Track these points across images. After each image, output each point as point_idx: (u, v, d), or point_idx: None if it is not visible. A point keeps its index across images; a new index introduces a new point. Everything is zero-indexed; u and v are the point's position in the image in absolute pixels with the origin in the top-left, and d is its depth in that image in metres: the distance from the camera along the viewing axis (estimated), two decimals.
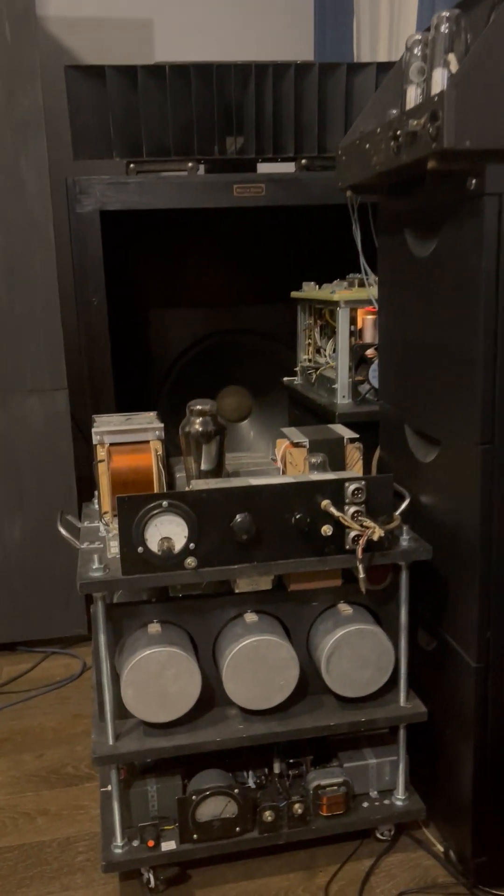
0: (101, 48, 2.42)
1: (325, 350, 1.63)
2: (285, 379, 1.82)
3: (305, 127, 1.76)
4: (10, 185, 1.57)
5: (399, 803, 1.15)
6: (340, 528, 1.02)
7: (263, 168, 1.82)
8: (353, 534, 1.01)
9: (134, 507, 0.97)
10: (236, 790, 1.08)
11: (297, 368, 1.78)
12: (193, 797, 1.07)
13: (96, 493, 1.20)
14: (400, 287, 1.19)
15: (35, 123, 1.56)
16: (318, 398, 1.55)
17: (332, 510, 0.99)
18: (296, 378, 1.79)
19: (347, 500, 1.01)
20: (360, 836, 1.18)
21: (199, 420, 1.08)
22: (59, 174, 1.66)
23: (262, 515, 1.00)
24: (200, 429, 1.08)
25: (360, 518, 1.00)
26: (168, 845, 1.08)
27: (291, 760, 1.17)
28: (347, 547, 1.02)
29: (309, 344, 1.72)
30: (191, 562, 0.99)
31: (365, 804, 1.15)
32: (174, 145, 1.72)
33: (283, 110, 1.75)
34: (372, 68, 1.73)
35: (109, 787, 1.09)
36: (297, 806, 1.10)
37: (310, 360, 1.71)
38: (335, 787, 1.12)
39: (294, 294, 1.72)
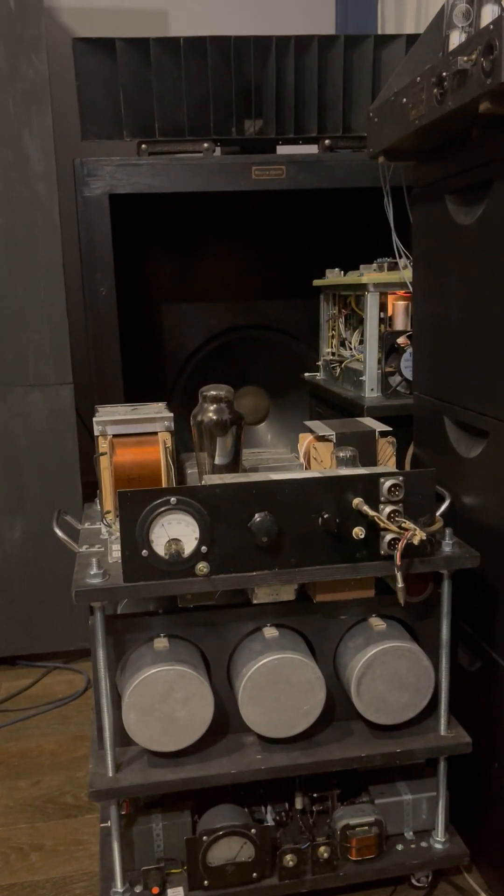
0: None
1: (350, 342, 1.50)
2: (306, 375, 1.70)
3: (329, 105, 1.65)
4: (13, 160, 1.46)
5: (438, 846, 1.01)
6: (374, 531, 0.89)
7: (283, 151, 1.70)
8: (389, 537, 0.88)
9: (138, 503, 0.84)
10: (253, 830, 0.94)
11: (320, 363, 1.65)
12: (204, 838, 0.93)
13: (99, 492, 1.08)
14: (440, 263, 1.06)
15: (40, 95, 1.45)
16: (344, 392, 1.42)
17: (366, 509, 0.86)
18: (318, 374, 1.66)
19: (383, 499, 0.88)
20: (392, 882, 1.04)
21: (213, 407, 0.95)
22: (66, 157, 1.56)
23: (284, 515, 0.87)
24: (215, 417, 0.95)
25: (397, 519, 0.87)
26: (175, 892, 0.94)
27: (316, 795, 1.04)
28: (382, 552, 0.89)
29: (332, 336, 1.59)
30: (202, 567, 0.86)
31: (399, 846, 1.01)
32: (189, 125, 1.61)
33: (305, 87, 1.63)
34: (401, 40, 1.61)
35: (109, 823, 0.96)
36: (322, 849, 0.96)
37: (333, 354, 1.59)
38: (366, 828, 0.98)
39: (317, 282, 1.59)
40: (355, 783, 1.06)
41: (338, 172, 1.61)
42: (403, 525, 0.86)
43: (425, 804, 1.03)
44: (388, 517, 0.87)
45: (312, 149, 1.71)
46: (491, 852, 1.02)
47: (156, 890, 0.93)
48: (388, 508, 0.88)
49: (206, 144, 1.63)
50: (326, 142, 1.67)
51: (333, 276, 1.51)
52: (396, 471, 0.89)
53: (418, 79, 0.91)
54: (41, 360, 1.56)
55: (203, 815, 0.99)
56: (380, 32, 1.93)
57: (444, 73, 0.83)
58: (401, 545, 0.85)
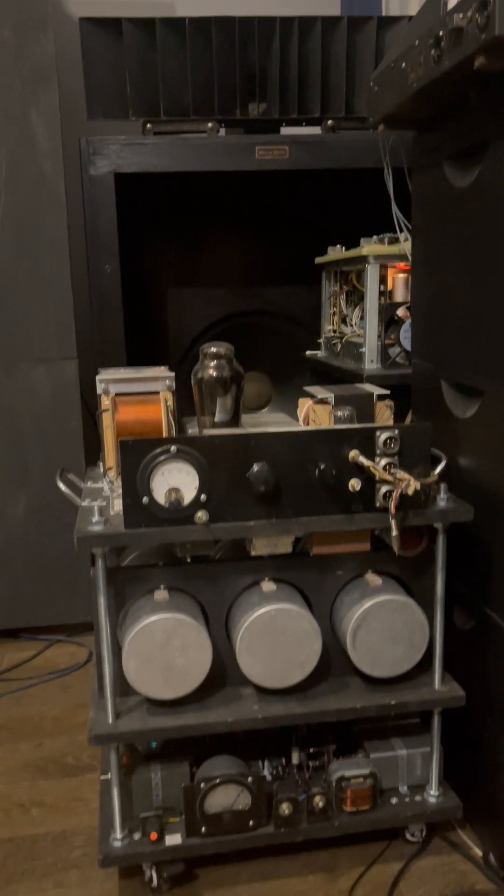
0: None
1: (351, 319, 1.52)
2: (308, 353, 1.72)
3: (332, 86, 1.67)
4: (20, 138, 1.49)
5: (432, 800, 1.03)
6: (370, 484, 0.91)
7: (287, 132, 1.72)
8: (384, 489, 0.90)
9: (139, 452, 0.86)
10: (250, 779, 0.96)
11: (321, 340, 1.67)
12: (202, 785, 0.95)
13: (101, 451, 1.10)
14: (438, 228, 1.08)
15: (47, 75, 1.48)
16: (344, 365, 1.44)
17: (362, 460, 0.88)
18: (319, 351, 1.68)
19: (378, 452, 0.90)
20: (387, 836, 1.06)
21: (213, 364, 0.97)
22: (72, 137, 1.58)
23: (281, 466, 0.89)
24: (215, 374, 0.97)
25: (392, 470, 0.89)
26: (173, 839, 0.96)
27: (312, 750, 1.05)
28: (378, 505, 0.91)
29: (334, 313, 1.61)
30: (202, 516, 0.88)
31: (394, 800, 1.03)
32: (193, 105, 1.63)
33: (308, 68, 1.65)
34: (404, 22, 1.63)
35: (109, 776, 0.98)
36: (317, 799, 0.98)
37: (334, 331, 1.61)
38: (361, 780, 1.00)
39: (319, 259, 1.62)
40: (351, 740, 1.07)
41: (340, 153, 1.63)
42: (398, 475, 0.88)
43: (420, 759, 1.04)
44: (384, 469, 0.89)
45: (316, 130, 1.73)
46: (484, 808, 1.03)
47: (154, 835, 0.95)
48: (384, 461, 0.90)
49: (210, 124, 1.65)
50: (329, 122, 1.68)
51: (335, 253, 1.53)
52: (392, 425, 0.91)
53: (416, 42, 0.93)
54: (46, 335, 1.59)
55: (201, 766, 1.01)
56: (384, 14, 1.95)
57: (441, 33, 0.85)
58: (395, 493, 0.87)
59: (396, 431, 0.90)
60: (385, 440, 0.89)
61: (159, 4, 2.35)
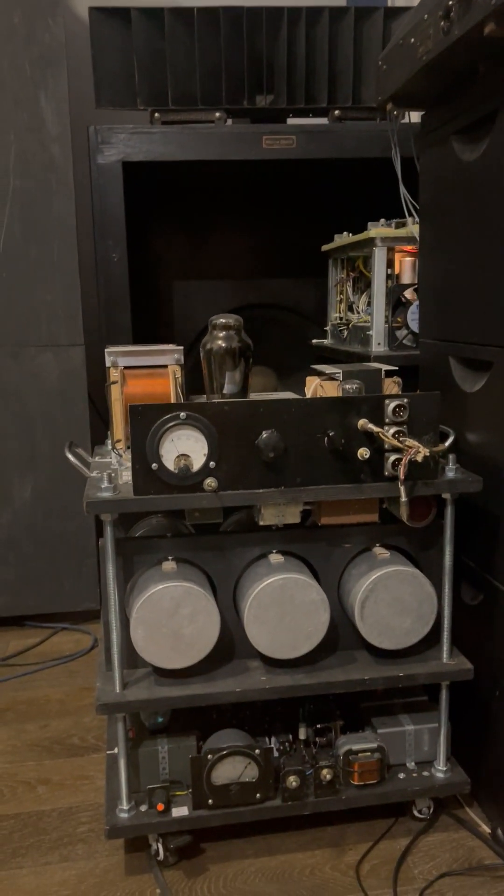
0: None
1: (357, 305, 1.52)
2: (314, 341, 1.72)
3: (339, 76, 1.68)
4: (29, 122, 1.50)
5: (440, 775, 1.02)
6: (379, 453, 0.91)
7: (294, 122, 1.73)
8: (393, 458, 0.90)
9: (149, 418, 0.87)
10: (257, 750, 0.96)
11: (328, 328, 1.68)
12: (209, 756, 0.95)
13: (110, 423, 1.10)
14: (445, 204, 1.08)
15: (56, 59, 1.49)
16: (351, 349, 1.44)
17: (371, 427, 0.88)
18: (326, 339, 1.69)
19: (388, 421, 0.90)
20: (395, 813, 1.06)
21: (222, 334, 0.98)
22: (81, 126, 1.59)
23: (290, 434, 0.89)
24: (224, 344, 0.98)
25: (402, 438, 0.89)
26: (180, 811, 0.96)
27: (319, 726, 1.05)
28: (387, 473, 0.91)
29: (340, 300, 1.62)
30: (211, 482, 0.88)
31: (401, 775, 1.03)
32: (201, 94, 1.64)
33: (316, 58, 1.66)
34: (411, 12, 1.64)
35: (116, 750, 0.97)
36: (325, 772, 0.98)
37: (341, 318, 1.61)
38: (368, 753, 0.99)
39: (325, 247, 1.62)
40: (358, 716, 1.07)
41: (347, 142, 1.64)
42: (407, 443, 0.88)
43: (427, 735, 1.04)
44: (393, 436, 0.89)
45: (323, 121, 1.74)
46: (491, 784, 1.03)
47: (161, 806, 0.94)
48: (393, 429, 0.90)
49: (217, 114, 1.66)
50: (336, 112, 1.69)
51: (342, 239, 1.54)
52: (401, 394, 0.91)
53: (426, 16, 0.94)
54: (53, 320, 1.59)
55: (208, 739, 1.00)
56: (390, 4, 1.96)
57: (451, 2, 0.85)
58: (404, 460, 0.87)
59: (405, 400, 0.90)
60: (394, 408, 0.90)
61: None
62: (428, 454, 0.87)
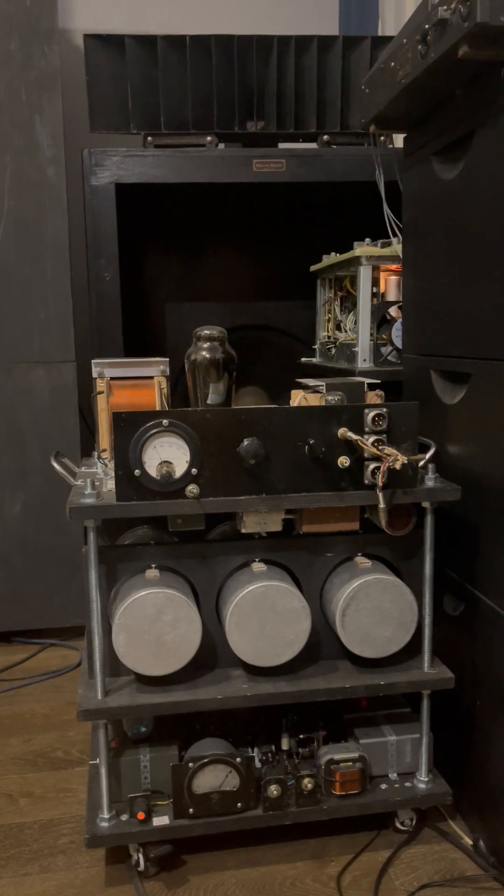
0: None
1: (345, 325, 1.55)
2: (303, 359, 1.74)
3: (328, 102, 1.72)
4: (24, 144, 1.54)
5: (422, 786, 1.02)
6: (359, 462, 0.92)
7: (284, 147, 1.77)
8: (372, 466, 0.92)
9: (132, 425, 0.88)
10: (238, 759, 0.96)
11: (316, 346, 1.70)
12: (190, 764, 0.95)
13: (96, 438, 1.11)
14: (427, 222, 1.11)
15: (51, 84, 1.53)
16: (338, 366, 1.46)
17: (350, 435, 0.89)
18: (314, 358, 1.71)
19: (367, 430, 0.92)
20: (377, 826, 1.05)
21: (206, 346, 1.00)
22: (75, 149, 1.63)
23: (271, 442, 0.91)
24: (208, 355, 1.00)
25: (381, 446, 0.90)
26: (161, 820, 0.96)
27: (302, 737, 1.05)
28: (366, 482, 0.93)
29: (328, 320, 1.64)
30: (192, 489, 0.89)
31: (383, 786, 1.02)
32: (193, 119, 1.68)
33: (305, 85, 1.71)
34: (393, 40, 1.68)
35: (98, 760, 0.97)
36: (306, 781, 0.98)
37: (329, 337, 1.63)
38: (350, 763, 0.99)
39: (314, 267, 1.65)
40: (341, 728, 1.07)
41: (336, 166, 1.68)
42: (386, 451, 0.89)
43: (409, 746, 1.04)
44: (372, 445, 0.90)
45: (312, 146, 1.78)
46: (474, 795, 1.03)
47: (141, 815, 0.94)
48: (372, 438, 0.91)
49: (209, 138, 1.70)
50: (325, 137, 1.73)
51: (329, 259, 1.57)
52: (380, 403, 0.93)
53: (405, 40, 0.97)
54: (45, 337, 1.61)
55: (189, 748, 1.00)
56: (381, 32, 2.01)
57: (427, 27, 0.88)
58: (383, 467, 0.88)
59: (385, 409, 0.92)
60: (373, 417, 0.91)
61: (161, 22, 2.41)
62: (406, 462, 0.88)
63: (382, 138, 1.63)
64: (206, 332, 1.00)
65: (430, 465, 0.96)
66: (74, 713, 1.40)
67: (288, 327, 2.12)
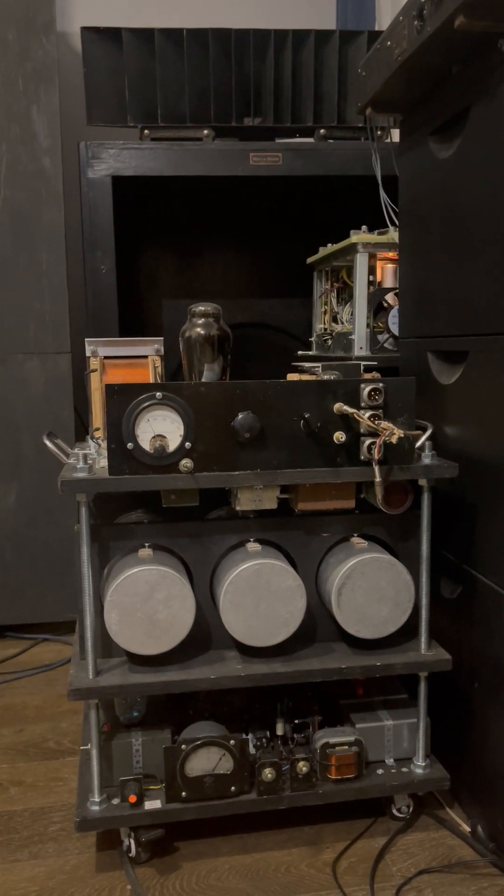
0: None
1: (341, 316, 1.54)
2: (300, 353, 1.73)
3: (325, 96, 1.72)
4: (21, 135, 1.53)
5: (419, 771, 1.00)
6: (355, 438, 0.91)
7: (281, 141, 1.78)
8: (368, 442, 0.91)
9: (125, 397, 0.87)
10: (232, 741, 0.94)
11: (312, 339, 1.69)
12: (183, 746, 0.93)
13: (89, 413, 1.10)
14: (424, 201, 1.10)
15: (49, 76, 1.53)
16: (334, 355, 1.45)
17: (346, 409, 0.88)
18: (311, 350, 1.70)
19: (363, 405, 0.91)
20: (374, 813, 1.03)
21: (201, 321, 0.99)
22: (72, 141, 1.62)
23: (267, 416, 0.90)
24: (203, 332, 0.99)
25: (377, 420, 0.89)
26: (153, 804, 0.94)
27: (297, 721, 1.03)
28: (362, 458, 0.92)
29: (325, 312, 1.64)
30: (186, 463, 0.88)
31: (380, 771, 1.01)
32: (190, 112, 1.68)
33: (302, 79, 1.71)
34: (389, 25, 1.69)
35: (90, 746, 0.96)
36: (301, 765, 0.96)
37: (325, 329, 1.63)
38: (346, 747, 0.98)
39: (311, 259, 1.65)
40: (337, 713, 1.05)
41: (332, 160, 1.67)
42: (382, 425, 0.88)
43: (406, 731, 1.02)
44: (369, 419, 0.89)
45: (309, 140, 1.78)
46: (472, 781, 1.01)
47: (133, 798, 0.92)
48: (369, 413, 0.90)
49: (206, 131, 1.70)
50: (322, 131, 1.74)
51: (326, 249, 1.56)
52: (377, 378, 0.92)
53: (401, 17, 0.97)
54: (41, 328, 1.61)
55: (183, 731, 0.99)
56: (378, 27, 2.02)
57: (423, 2, 0.88)
58: (379, 441, 0.87)
59: (381, 384, 0.91)
60: (370, 392, 0.90)
61: (158, 15, 2.41)
62: (402, 436, 0.87)
63: (380, 133, 1.64)
64: (201, 308, 0.99)
65: (428, 444, 0.95)
66: (67, 705, 1.38)
67: (286, 325, 2.11)
